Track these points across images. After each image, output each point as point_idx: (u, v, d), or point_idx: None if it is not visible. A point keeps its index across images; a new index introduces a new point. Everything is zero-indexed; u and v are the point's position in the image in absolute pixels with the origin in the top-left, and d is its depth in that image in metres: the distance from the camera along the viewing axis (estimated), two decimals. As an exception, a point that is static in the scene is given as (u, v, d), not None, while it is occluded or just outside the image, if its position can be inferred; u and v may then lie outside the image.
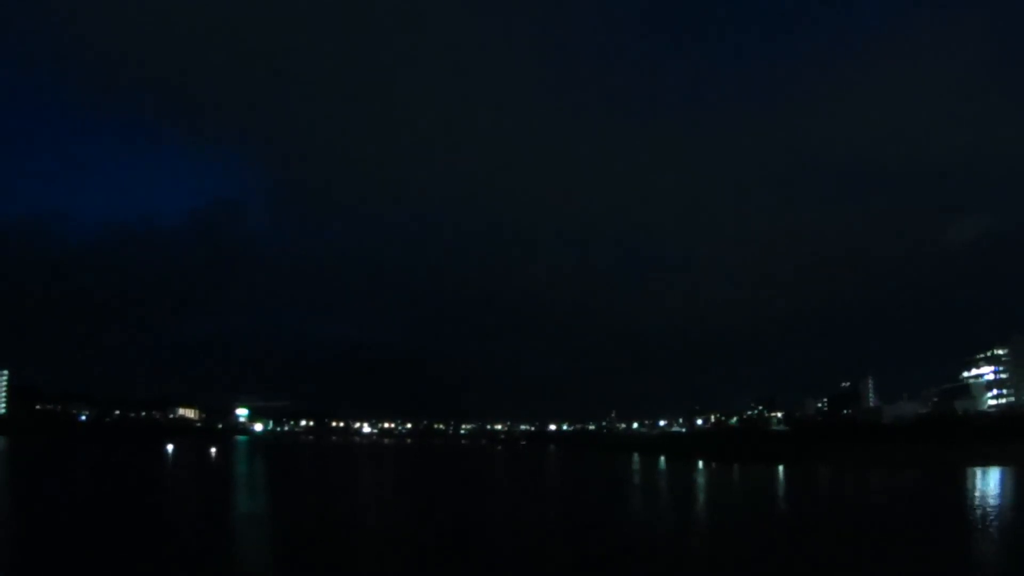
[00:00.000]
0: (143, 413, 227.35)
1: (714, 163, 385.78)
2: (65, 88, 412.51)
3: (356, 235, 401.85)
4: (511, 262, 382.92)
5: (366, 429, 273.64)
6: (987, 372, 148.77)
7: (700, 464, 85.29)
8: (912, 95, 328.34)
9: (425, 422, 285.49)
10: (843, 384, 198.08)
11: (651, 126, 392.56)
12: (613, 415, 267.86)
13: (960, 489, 48.64)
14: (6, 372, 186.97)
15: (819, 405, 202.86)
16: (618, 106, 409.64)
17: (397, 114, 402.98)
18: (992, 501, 40.27)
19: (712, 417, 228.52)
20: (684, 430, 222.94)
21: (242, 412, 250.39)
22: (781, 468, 73.84)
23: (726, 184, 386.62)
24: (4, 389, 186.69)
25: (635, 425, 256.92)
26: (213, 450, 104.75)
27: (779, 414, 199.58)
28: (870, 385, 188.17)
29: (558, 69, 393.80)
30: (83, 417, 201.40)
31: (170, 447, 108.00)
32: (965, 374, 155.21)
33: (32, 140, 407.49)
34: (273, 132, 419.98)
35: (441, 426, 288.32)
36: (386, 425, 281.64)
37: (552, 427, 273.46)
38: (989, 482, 54.20)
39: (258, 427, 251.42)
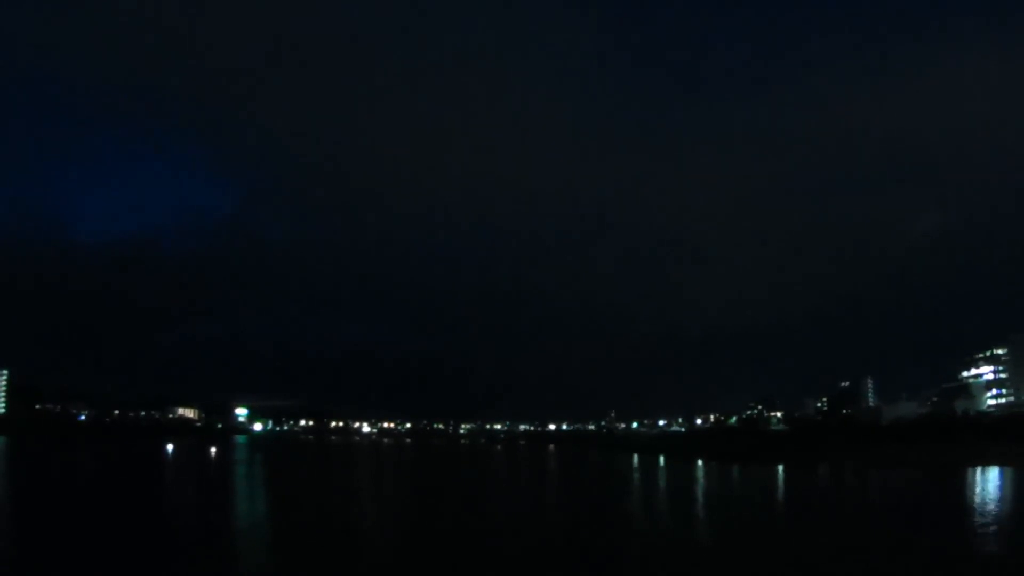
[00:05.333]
0: (143, 413, 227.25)
1: (714, 163, 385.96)
2: (70, 90, 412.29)
3: (357, 235, 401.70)
4: (512, 262, 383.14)
5: (365, 429, 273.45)
6: (987, 372, 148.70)
7: (700, 464, 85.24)
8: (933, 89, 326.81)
9: (425, 422, 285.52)
10: (843, 384, 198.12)
11: (652, 124, 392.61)
12: (613, 415, 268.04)
13: (959, 489, 48.62)
14: (6, 372, 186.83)
15: (819, 405, 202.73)
16: (620, 102, 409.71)
17: (399, 115, 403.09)
18: (991, 501, 40.25)
19: (712, 417, 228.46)
20: (684, 430, 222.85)
21: (241, 412, 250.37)
22: (781, 468, 73.83)
23: (726, 185, 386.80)
24: (4, 389, 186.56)
25: (635, 425, 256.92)
26: (213, 450, 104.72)
27: (779, 414, 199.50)
28: (870, 385, 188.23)
29: (564, 62, 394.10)
30: (83, 417, 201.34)
31: (170, 447, 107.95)
32: (965, 374, 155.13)
33: (33, 141, 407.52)
34: (275, 133, 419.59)
35: (441, 426, 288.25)
36: (385, 425, 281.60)
37: (552, 427, 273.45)
38: (988, 482, 54.18)
39: (257, 427, 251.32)
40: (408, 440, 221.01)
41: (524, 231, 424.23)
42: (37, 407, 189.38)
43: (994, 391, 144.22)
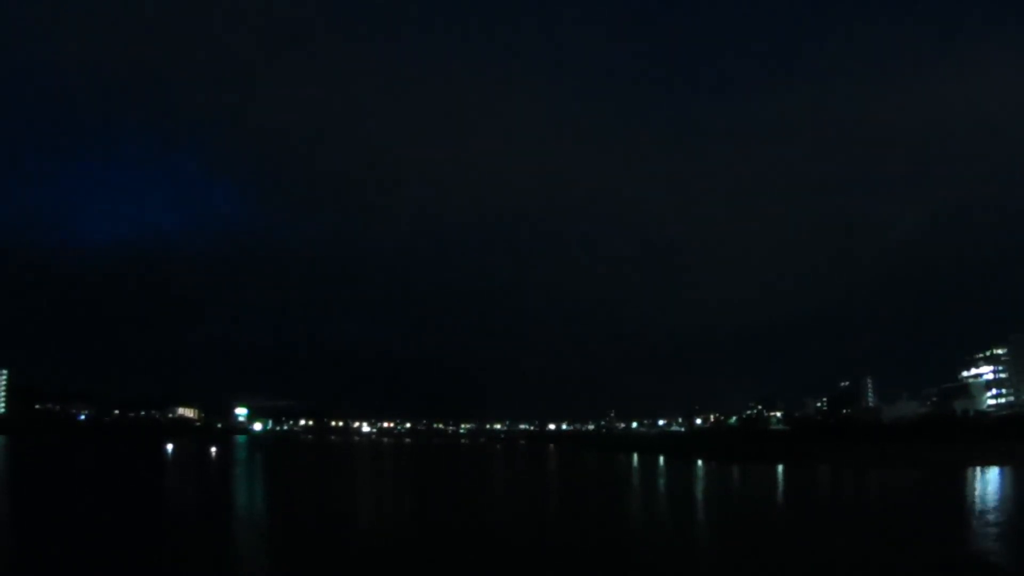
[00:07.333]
0: (142, 413, 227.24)
1: (714, 163, 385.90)
2: (70, 94, 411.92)
3: (356, 235, 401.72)
4: (511, 262, 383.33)
5: (365, 428, 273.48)
6: (986, 372, 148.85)
7: (699, 463, 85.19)
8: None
9: (425, 422, 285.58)
10: (843, 384, 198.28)
11: (649, 123, 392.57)
12: (612, 415, 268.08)
13: (958, 489, 48.63)
14: (6, 372, 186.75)
15: (819, 405, 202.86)
16: (617, 102, 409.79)
17: (401, 116, 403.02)
18: (992, 501, 40.25)
19: (711, 417, 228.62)
20: (684, 430, 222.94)
21: (241, 412, 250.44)
22: (780, 468, 73.79)
23: (725, 184, 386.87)
24: (4, 389, 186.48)
25: (634, 425, 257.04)
26: (213, 450, 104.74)
27: (778, 413, 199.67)
28: (869, 385, 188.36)
29: (567, 57, 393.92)
30: (82, 417, 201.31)
31: (170, 447, 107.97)
32: (964, 374, 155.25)
33: (34, 141, 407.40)
34: (276, 133, 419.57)
35: (441, 426, 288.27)
36: (385, 424, 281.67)
37: (552, 427, 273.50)
38: (988, 482, 54.19)
39: (257, 427, 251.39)
40: (408, 440, 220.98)
41: (524, 231, 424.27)
42: (37, 407, 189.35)
43: (994, 391, 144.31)
